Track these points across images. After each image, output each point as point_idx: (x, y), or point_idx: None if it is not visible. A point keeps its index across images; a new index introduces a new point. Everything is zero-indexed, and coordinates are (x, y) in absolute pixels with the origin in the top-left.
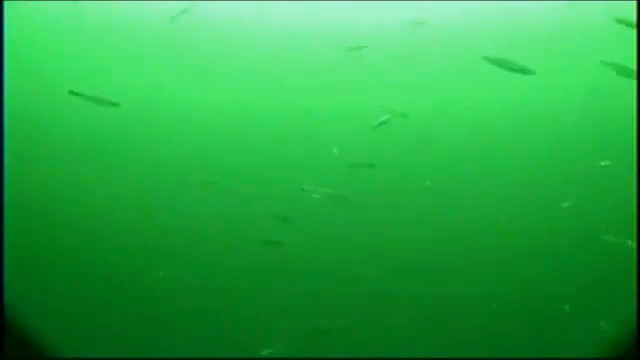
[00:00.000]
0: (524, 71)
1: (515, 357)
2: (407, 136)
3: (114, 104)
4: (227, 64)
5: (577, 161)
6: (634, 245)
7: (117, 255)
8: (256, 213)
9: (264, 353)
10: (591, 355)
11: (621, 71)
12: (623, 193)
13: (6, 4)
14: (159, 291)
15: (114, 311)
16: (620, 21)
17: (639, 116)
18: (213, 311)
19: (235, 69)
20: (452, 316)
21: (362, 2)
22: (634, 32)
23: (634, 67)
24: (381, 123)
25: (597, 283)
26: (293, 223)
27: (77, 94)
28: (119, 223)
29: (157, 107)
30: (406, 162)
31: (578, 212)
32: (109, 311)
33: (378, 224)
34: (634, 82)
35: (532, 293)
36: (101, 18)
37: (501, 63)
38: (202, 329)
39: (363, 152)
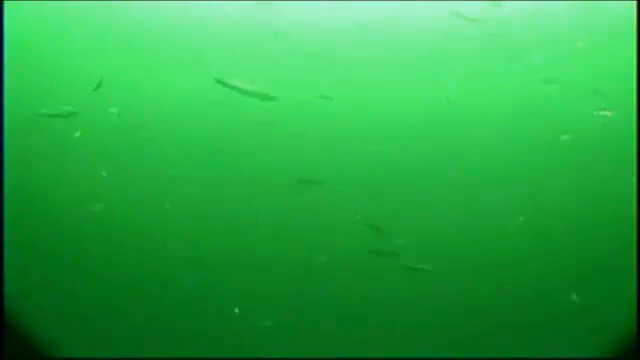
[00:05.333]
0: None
1: (515, 357)
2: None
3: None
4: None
5: (577, 158)
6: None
7: (118, 255)
8: (261, 216)
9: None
10: (591, 355)
11: None
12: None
13: (6, 4)
14: (160, 290)
15: (114, 311)
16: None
17: (639, 116)
18: (212, 310)
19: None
20: (453, 316)
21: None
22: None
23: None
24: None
25: (597, 283)
26: None
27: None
28: (121, 223)
29: (159, 107)
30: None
31: (577, 212)
32: (110, 311)
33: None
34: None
35: (532, 293)
36: (102, 18)
37: None
38: (203, 328)
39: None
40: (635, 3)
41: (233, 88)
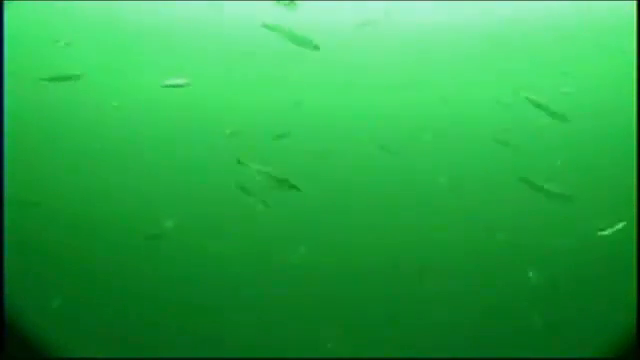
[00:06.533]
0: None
1: (515, 357)
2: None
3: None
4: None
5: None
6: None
7: (118, 255)
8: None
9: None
10: (591, 355)
11: None
12: (621, 189)
13: (6, 4)
14: (160, 289)
15: (115, 311)
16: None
17: (639, 115)
18: (212, 308)
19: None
20: (453, 316)
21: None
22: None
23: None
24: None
25: (597, 283)
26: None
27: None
28: (120, 222)
29: (160, 106)
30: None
31: (576, 211)
32: (110, 311)
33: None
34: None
35: (532, 293)
36: (102, 18)
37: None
38: (202, 327)
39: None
40: (635, 3)
41: None
